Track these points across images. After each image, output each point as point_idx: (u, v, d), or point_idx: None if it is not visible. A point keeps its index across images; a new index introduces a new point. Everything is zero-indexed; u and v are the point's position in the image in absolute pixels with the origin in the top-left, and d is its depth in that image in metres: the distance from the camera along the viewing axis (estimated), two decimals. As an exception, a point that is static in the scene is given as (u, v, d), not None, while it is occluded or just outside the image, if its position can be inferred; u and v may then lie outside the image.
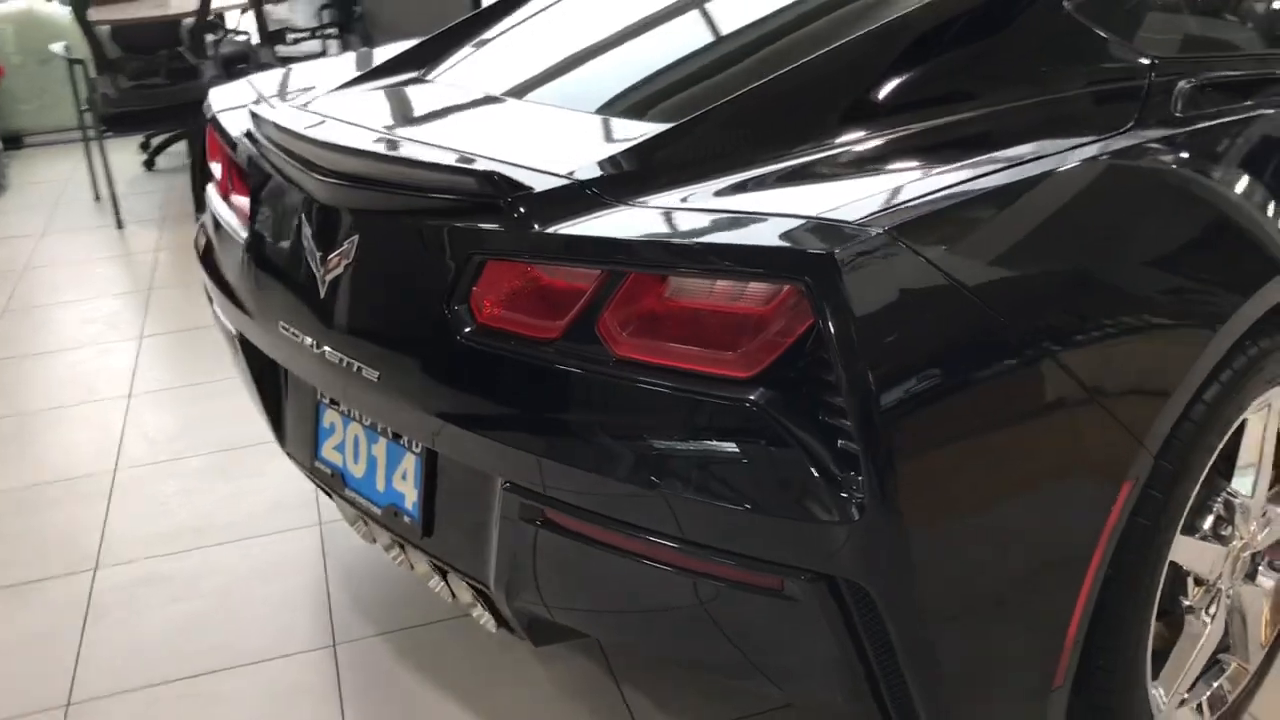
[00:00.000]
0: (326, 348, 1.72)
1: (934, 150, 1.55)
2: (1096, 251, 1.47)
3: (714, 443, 1.32)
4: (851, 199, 1.37)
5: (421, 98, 2.06)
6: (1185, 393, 1.53)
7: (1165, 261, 1.53)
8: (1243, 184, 1.66)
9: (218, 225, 2.15)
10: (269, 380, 2.09)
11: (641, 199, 1.48)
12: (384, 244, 1.65)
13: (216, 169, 2.24)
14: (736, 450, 1.31)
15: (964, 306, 1.33)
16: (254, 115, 1.96)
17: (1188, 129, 1.65)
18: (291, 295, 1.80)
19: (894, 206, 1.34)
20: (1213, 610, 1.83)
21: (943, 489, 1.31)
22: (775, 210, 1.37)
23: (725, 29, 1.99)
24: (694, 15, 2.09)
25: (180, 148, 6.08)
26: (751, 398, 1.29)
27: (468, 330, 1.53)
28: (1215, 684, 1.92)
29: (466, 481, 1.65)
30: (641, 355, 1.38)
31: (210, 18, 5.73)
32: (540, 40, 2.20)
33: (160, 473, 2.98)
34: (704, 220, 1.40)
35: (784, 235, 1.30)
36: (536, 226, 1.46)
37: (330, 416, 1.91)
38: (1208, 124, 1.68)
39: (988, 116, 1.62)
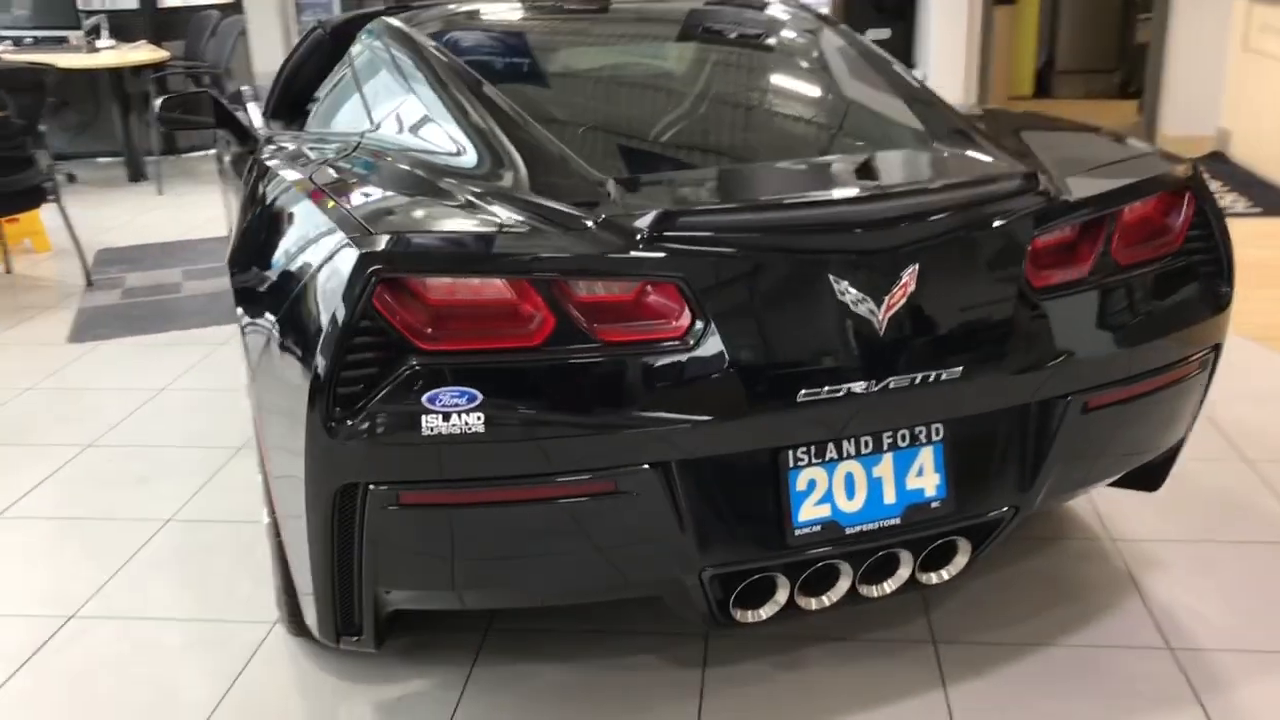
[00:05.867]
0: (891, 380, 1.98)
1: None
2: None
3: (1175, 292, 2.29)
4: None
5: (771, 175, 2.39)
6: None
7: None
8: None
9: (554, 375, 1.88)
10: (704, 499, 1.99)
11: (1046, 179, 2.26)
12: (948, 260, 2.05)
13: (492, 326, 1.89)
14: (1186, 290, 2.31)
15: None
16: (676, 214, 1.94)
17: None
18: (828, 355, 1.97)
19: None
20: None
21: None
22: (1099, 161, 2.45)
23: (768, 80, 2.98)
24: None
25: None
26: (1183, 263, 2.32)
27: (1037, 293, 2.11)
28: None
29: (1002, 427, 2.15)
30: (1126, 260, 2.23)
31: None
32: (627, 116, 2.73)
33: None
34: (1105, 173, 2.34)
35: (1157, 170, 2.35)
36: (1053, 200, 2.15)
37: (808, 475, 2.03)
38: None
39: None
